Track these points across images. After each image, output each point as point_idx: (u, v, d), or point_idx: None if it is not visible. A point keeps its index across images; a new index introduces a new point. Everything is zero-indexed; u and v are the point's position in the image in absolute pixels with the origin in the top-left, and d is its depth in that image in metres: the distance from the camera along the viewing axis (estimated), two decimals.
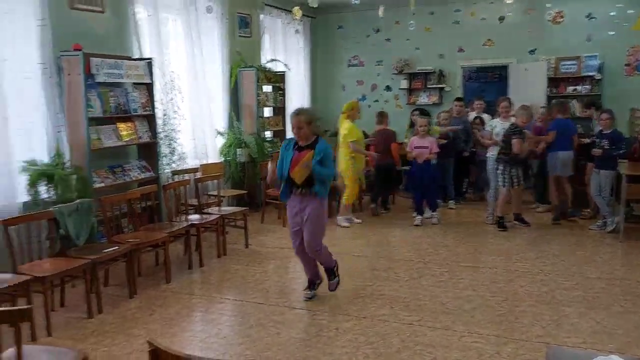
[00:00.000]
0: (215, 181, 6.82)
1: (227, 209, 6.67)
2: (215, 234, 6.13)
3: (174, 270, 5.44)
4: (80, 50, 5.34)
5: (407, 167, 7.74)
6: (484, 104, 8.89)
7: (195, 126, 7.51)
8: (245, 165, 8.12)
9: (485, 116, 8.53)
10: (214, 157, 7.85)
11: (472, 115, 8.75)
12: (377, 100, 10.94)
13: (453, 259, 5.80)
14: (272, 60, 9.13)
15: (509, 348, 3.73)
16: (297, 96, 10.37)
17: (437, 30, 10.33)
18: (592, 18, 9.36)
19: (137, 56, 6.32)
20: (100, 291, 4.64)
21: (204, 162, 7.58)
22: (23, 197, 5.00)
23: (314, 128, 4.48)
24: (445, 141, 7.72)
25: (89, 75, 5.42)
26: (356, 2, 7.73)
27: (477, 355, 3.63)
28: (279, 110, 9.30)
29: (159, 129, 6.53)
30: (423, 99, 10.62)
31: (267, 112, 9.19)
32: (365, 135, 8.17)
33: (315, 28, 11.08)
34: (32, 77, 5.16)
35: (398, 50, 10.64)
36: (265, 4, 9.29)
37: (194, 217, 6.04)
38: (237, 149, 7.98)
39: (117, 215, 5.40)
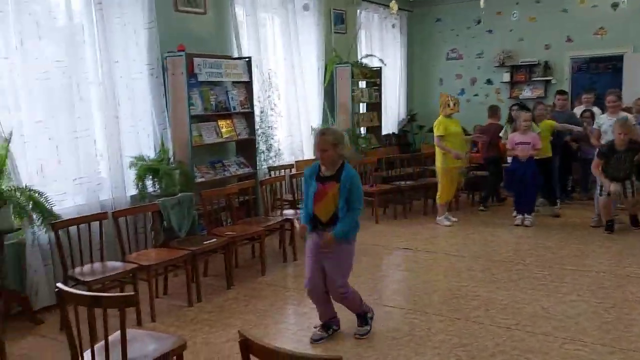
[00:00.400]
0: None
1: None
2: None
3: (269, 263, 5.58)
4: (183, 50, 5.61)
5: (506, 164, 7.39)
6: (592, 97, 8.31)
7: (291, 123, 7.65)
8: None
9: (596, 109, 7.97)
10: (308, 154, 7.96)
11: (579, 108, 8.23)
12: (476, 95, 10.59)
13: (556, 261, 5.49)
14: (368, 55, 9.10)
15: (616, 358, 3.47)
16: (393, 91, 10.28)
17: (542, 19, 9.81)
18: None
19: (236, 55, 6.54)
20: (200, 281, 4.86)
21: (299, 158, 7.71)
22: (132, 190, 5.34)
23: (341, 151, 3.73)
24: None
25: (191, 74, 5.68)
26: None
27: None
28: (374, 106, 9.26)
29: (257, 126, 6.72)
30: (526, 93, 10.13)
31: (362, 108, 9.18)
32: (466, 132, 7.93)
33: (412, 22, 10.90)
34: (140, 78, 5.49)
35: (500, 41, 10.22)
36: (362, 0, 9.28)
37: (289, 212, 6.16)
38: None
39: (216, 209, 5.62)
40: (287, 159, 7.49)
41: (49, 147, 4.67)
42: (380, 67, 9.21)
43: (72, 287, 3.27)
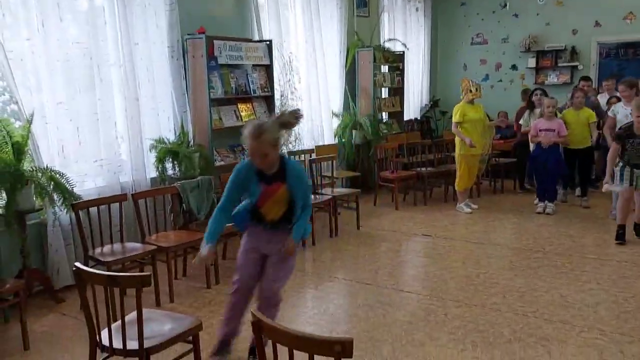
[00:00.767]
0: (330, 162, 6.90)
1: (340, 190, 6.73)
2: (328, 214, 6.22)
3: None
4: (204, 33, 5.61)
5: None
6: (612, 84, 8.08)
7: (312, 107, 7.62)
8: (360, 147, 8.13)
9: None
10: (329, 139, 7.93)
11: (602, 96, 8.03)
12: (500, 80, 10.41)
13: (576, 249, 5.41)
14: (391, 39, 9.00)
15: (635, 348, 3.41)
16: (416, 77, 10.16)
17: (570, 3, 9.56)
18: None
19: (257, 38, 6.51)
20: (218, 263, 4.89)
21: (319, 143, 7.68)
22: (152, 173, 5.39)
23: (280, 146, 3.18)
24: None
25: (211, 57, 5.68)
26: None
27: (597, 353, 3.36)
28: (396, 91, 9.17)
29: (277, 110, 6.71)
30: (552, 78, 9.92)
31: (384, 92, 9.10)
32: (489, 118, 7.81)
33: (437, 5, 10.73)
34: (160, 60, 5.50)
35: (526, 26, 10.00)
36: None
37: None
38: (353, 131, 8.00)
39: None
40: (307, 144, 7.47)
41: (69, 129, 4.72)
42: (403, 52, 9.10)
43: (92, 267, 3.33)
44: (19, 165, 4.13)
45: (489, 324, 3.81)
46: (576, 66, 9.67)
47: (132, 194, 4.61)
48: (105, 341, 2.70)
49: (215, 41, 5.71)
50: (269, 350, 1.97)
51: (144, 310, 2.71)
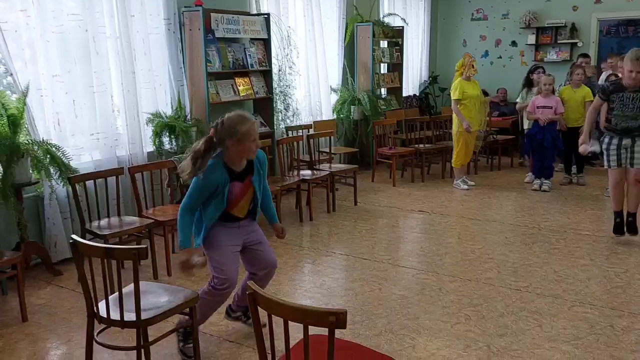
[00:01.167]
0: (328, 138, 6.89)
1: (337, 166, 6.73)
2: (326, 190, 6.23)
3: (285, 222, 5.63)
4: (201, 5, 5.54)
5: (527, 128, 7.24)
6: (615, 61, 8.03)
7: (310, 82, 7.58)
8: (358, 123, 8.11)
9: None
10: (327, 114, 7.91)
11: (605, 73, 7.99)
12: (500, 57, 10.34)
13: (571, 226, 5.44)
14: (390, 14, 8.91)
15: (625, 322, 3.47)
16: (415, 52, 10.09)
17: None
18: None
19: (254, 12, 6.45)
20: None
21: (318, 119, 7.66)
22: (149, 147, 5.38)
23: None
24: None
25: (208, 30, 5.63)
26: None
27: (587, 326, 3.41)
28: (395, 67, 9.11)
29: (274, 84, 6.67)
30: (551, 55, 9.86)
31: (383, 68, 9.05)
32: (485, 94, 7.78)
33: None
34: (156, 33, 5.45)
35: (526, 2, 9.89)
36: None
37: (306, 173, 6.16)
38: (351, 107, 7.97)
39: None
40: (305, 119, 7.45)
41: (65, 102, 4.69)
42: (403, 27, 9.02)
43: (89, 240, 3.34)
44: (15, 137, 4.12)
45: (483, 298, 3.85)
46: (576, 43, 9.60)
47: (129, 168, 4.61)
48: (102, 313, 2.73)
49: (212, 14, 5.65)
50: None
51: (141, 283, 2.74)
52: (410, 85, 9.97)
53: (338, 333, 1.85)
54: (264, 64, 6.45)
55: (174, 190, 5.12)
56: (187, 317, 3.03)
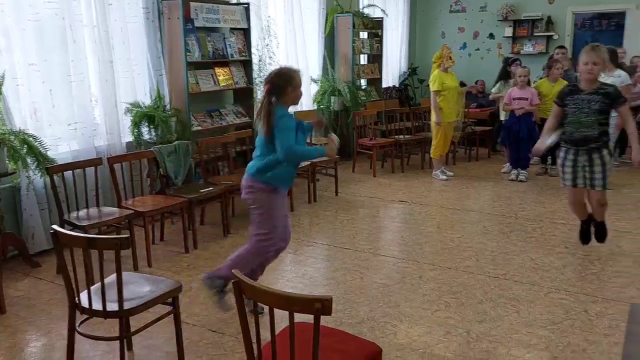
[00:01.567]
0: None
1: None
2: (306, 180, 6.25)
3: None
4: None
5: (503, 119, 7.33)
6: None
7: None
8: (339, 114, 8.12)
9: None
10: (307, 105, 7.90)
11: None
12: (478, 49, 10.45)
13: (547, 215, 5.55)
14: (370, 5, 8.93)
15: (598, 307, 3.56)
16: (395, 44, 10.13)
17: None
18: None
19: (234, 1, 6.40)
20: (197, 229, 4.91)
21: (298, 109, 7.64)
22: (127, 137, 5.33)
23: None
24: None
25: (188, 19, 5.58)
26: None
27: (563, 312, 3.50)
28: (375, 58, 9.14)
29: (255, 74, 6.64)
30: (528, 48, 9.99)
31: (363, 59, 9.06)
32: (463, 85, 7.85)
33: None
34: (135, 22, 5.39)
35: None
36: None
37: None
38: (331, 97, 7.97)
39: (213, 158, 5.62)
40: None
41: (42, 91, 4.61)
42: (382, 18, 9.05)
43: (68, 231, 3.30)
44: None
45: (462, 286, 3.92)
46: (551, 36, 9.74)
47: (108, 158, 4.56)
48: (84, 303, 2.71)
49: (191, 3, 5.59)
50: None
51: (123, 273, 2.72)
52: (390, 76, 10.01)
53: (321, 321, 1.87)
54: (244, 54, 6.42)
55: (154, 181, 5.08)
56: (223, 278, 3.43)
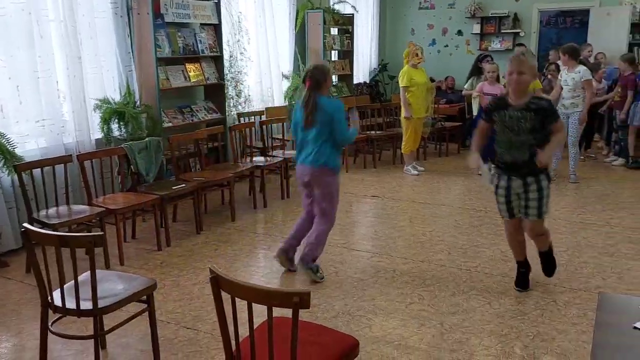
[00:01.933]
0: (280, 124, 6.89)
1: (291, 153, 6.72)
2: (279, 176, 6.25)
3: (239, 209, 5.62)
4: None
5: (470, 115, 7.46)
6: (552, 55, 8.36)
7: (261, 69, 7.54)
8: None
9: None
10: (279, 101, 7.89)
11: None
12: (447, 45, 10.58)
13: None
14: (340, 1, 8.95)
15: (566, 297, 3.67)
16: (365, 40, 10.18)
17: None
18: None
19: None
20: (169, 226, 4.87)
21: (269, 105, 7.64)
22: (97, 134, 5.24)
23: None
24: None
25: (157, 14, 5.51)
26: None
27: (533, 303, 3.59)
28: (346, 54, 9.18)
29: (226, 70, 6.61)
30: (495, 45, 10.16)
31: (334, 55, 9.09)
32: (432, 81, 7.94)
33: None
34: (103, 17, 5.30)
35: None
36: None
37: (259, 159, 6.15)
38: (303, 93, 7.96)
39: (184, 154, 5.58)
40: (256, 105, 7.42)
41: (9, 87, 4.51)
42: (353, 14, 9.08)
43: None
44: None
45: (435, 279, 3.98)
46: (518, 33, 9.92)
47: (77, 155, 4.49)
48: (57, 302, 2.67)
49: None
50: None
51: (96, 272, 2.69)
52: (361, 72, 10.07)
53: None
54: (214, 49, 6.37)
55: (125, 178, 5.01)
56: (316, 258, 4.02)
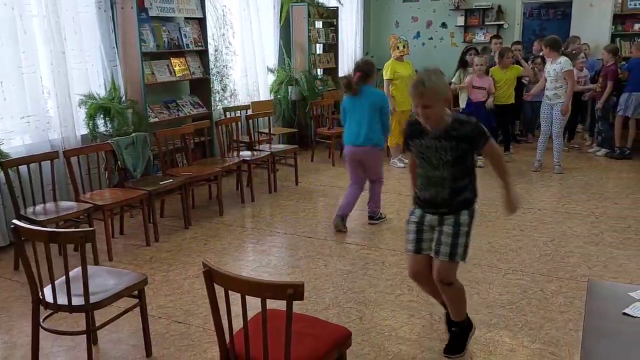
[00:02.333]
0: (266, 118, 6.88)
1: (277, 147, 6.74)
2: (266, 170, 6.25)
3: (226, 204, 5.61)
4: None
5: (457, 108, 7.52)
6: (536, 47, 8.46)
7: (246, 63, 7.52)
8: (296, 104, 8.14)
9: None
10: (264, 95, 7.88)
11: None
12: (431, 38, 10.62)
13: (501, 200, 5.69)
14: None
15: (553, 286, 3.73)
16: (350, 33, 10.18)
17: None
18: None
19: None
20: (157, 221, 4.86)
21: (255, 99, 7.63)
22: (82, 130, 5.20)
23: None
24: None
25: (142, 9, 5.48)
26: None
27: (520, 292, 3.65)
28: (330, 47, 9.18)
29: (211, 65, 6.58)
30: (479, 37, 10.24)
31: (319, 49, 9.09)
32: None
33: None
34: (87, 12, 5.24)
35: None
36: None
37: (246, 154, 6.14)
38: (289, 87, 7.97)
39: (171, 149, 5.56)
40: (242, 100, 7.40)
41: None
42: (337, 7, 9.08)
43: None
44: None
45: None
46: (502, 25, 10.00)
47: (64, 152, 4.45)
48: (48, 298, 2.66)
49: None
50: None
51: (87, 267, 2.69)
52: (346, 65, 10.05)
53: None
54: (199, 43, 6.34)
55: (112, 174, 4.99)
56: (379, 210, 5.16)
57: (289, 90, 7.97)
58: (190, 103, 6.38)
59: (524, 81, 7.86)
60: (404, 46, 6.94)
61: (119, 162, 4.99)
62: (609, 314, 1.97)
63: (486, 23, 10.12)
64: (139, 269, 4.11)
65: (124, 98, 5.48)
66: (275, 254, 4.47)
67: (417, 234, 2.88)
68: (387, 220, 5.18)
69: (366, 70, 4.70)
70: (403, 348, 3.03)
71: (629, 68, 7.28)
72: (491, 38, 8.49)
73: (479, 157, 7.07)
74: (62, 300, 2.63)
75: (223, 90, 6.89)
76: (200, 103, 6.46)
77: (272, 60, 8.10)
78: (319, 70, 8.95)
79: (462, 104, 7.47)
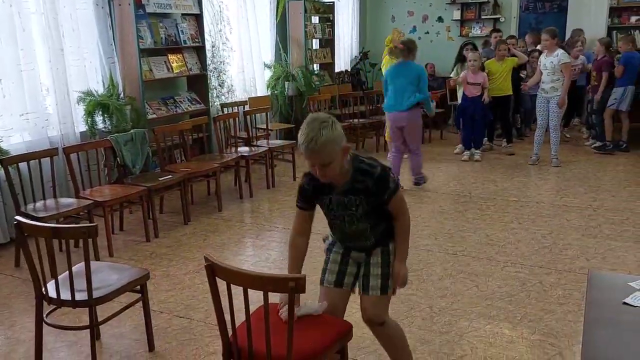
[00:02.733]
0: (263, 114, 6.90)
1: (275, 142, 6.77)
2: (264, 166, 6.27)
3: (225, 199, 5.63)
4: None
5: (455, 102, 7.56)
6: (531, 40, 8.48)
7: (243, 58, 7.53)
8: (293, 99, 8.15)
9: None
10: (261, 90, 7.89)
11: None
12: (427, 32, 10.63)
13: (499, 193, 5.77)
14: None
15: (552, 278, 3.77)
16: (346, 28, 10.18)
17: None
18: None
19: None
20: (157, 217, 4.88)
21: (252, 95, 7.64)
22: (81, 126, 5.21)
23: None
24: None
25: (139, 5, 5.48)
26: None
27: (519, 284, 3.68)
28: (327, 43, 9.19)
29: (208, 61, 6.59)
30: (475, 31, 10.25)
31: (315, 44, 9.10)
32: None
33: None
34: (84, 8, 5.26)
35: None
36: None
37: (244, 150, 6.16)
38: (285, 82, 7.98)
39: (169, 145, 5.57)
40: (239, 95, 7.41)
41: None
42: (333, 2, 9.09)
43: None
44: None
45: (423, 264, 4.06)
46: (498, 19, 10.01)
47: (64, 148, 4.46)
48: (52, 293, 2.68)
49: None
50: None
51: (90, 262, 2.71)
52: (342, 60, 10.08)
53: None
54: (196, 40, 6.35)
55: (111, 171, 5.00)
56: (422, 173, 6.03)
57: (286, 86, 7.99)
58: (188, 99, 6.39)
59: (522, 75, 7.88)
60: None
61: (118, 158, 5.01)
62: (609, 303, 1.99)
63: (482, 17, 10.13)
64: (139, 265, 4.12)
65: (122, 95, 5.49)
66: (275, 248, 4.49)
67: (341, 265, 2.61)
68: None
69: (410, 46, 5.55)
70: None
71: (625, 62, 7.28)
72: (491, 32, 8.51)
73: (476, 152, 7.17)
74: (66, 295, 2.65)
75: (220, 86, 6.90)
76: (198, 99, 6.48)
77: (269, 55, 8.11)
78: (315, 65, 8.96)
79: (459, 99, 7.51)
